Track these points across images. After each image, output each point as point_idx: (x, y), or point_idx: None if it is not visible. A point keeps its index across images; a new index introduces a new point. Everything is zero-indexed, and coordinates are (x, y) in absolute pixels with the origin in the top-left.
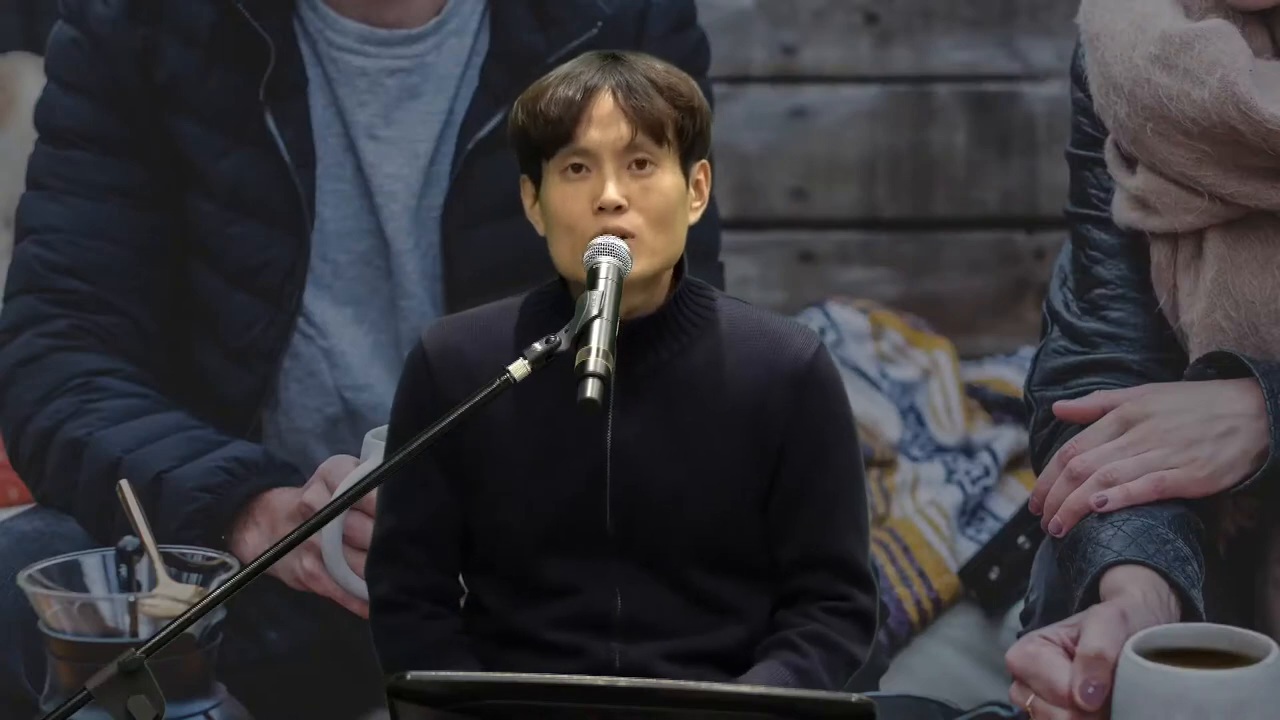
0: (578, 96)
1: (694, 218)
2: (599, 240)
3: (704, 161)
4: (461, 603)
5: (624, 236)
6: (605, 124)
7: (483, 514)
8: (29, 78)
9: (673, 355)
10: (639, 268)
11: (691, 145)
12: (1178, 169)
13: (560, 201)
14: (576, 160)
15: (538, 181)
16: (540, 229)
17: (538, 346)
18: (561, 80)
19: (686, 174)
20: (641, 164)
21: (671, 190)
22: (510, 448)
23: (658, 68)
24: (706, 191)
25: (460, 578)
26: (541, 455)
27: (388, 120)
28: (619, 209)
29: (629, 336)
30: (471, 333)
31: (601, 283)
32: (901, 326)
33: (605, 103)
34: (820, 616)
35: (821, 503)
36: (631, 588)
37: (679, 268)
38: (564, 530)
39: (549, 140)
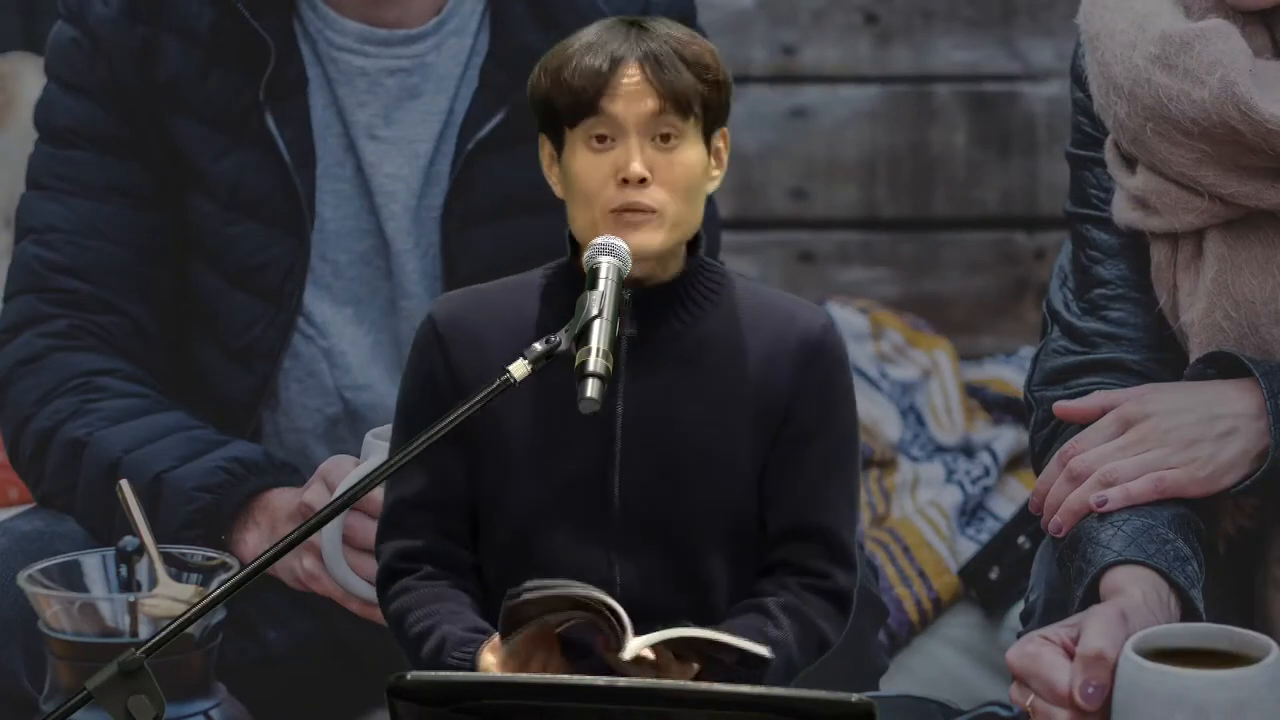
0: (604, 67)
1: (712, 186)
2: (599, 240)
3: (724, 129)
4: (473, 570)
5: (647, 211)
6: (631, 96)
7: (490, 487)
8: (29, 78)
9: (685, 326)
10: (658, 239)
11: (715, 116)
12: (1178, 169)
13: (583, 171)
14: (601, 131)
15: (559, 145)
16: (558, 190)
17: (538, 346)
18: (587, 49)
19: (708, 144)
20: (666, 137)
21: (695, 163)
22: (519, 424)
23: (682, 37)
24: (725, 159)
25: (470, 548)
26: (550, 430)
27: (388, 120)
28: (642, 181)
29: (641, 305)
30: (482, 307)
31: (601, 283)
32: (901, 326)
33: (632, 75)
34: (796, 590)
35: (815, 471)
36: (630, 565)
37: (694, 240)
38: (570, 502)
39: (573, 109)
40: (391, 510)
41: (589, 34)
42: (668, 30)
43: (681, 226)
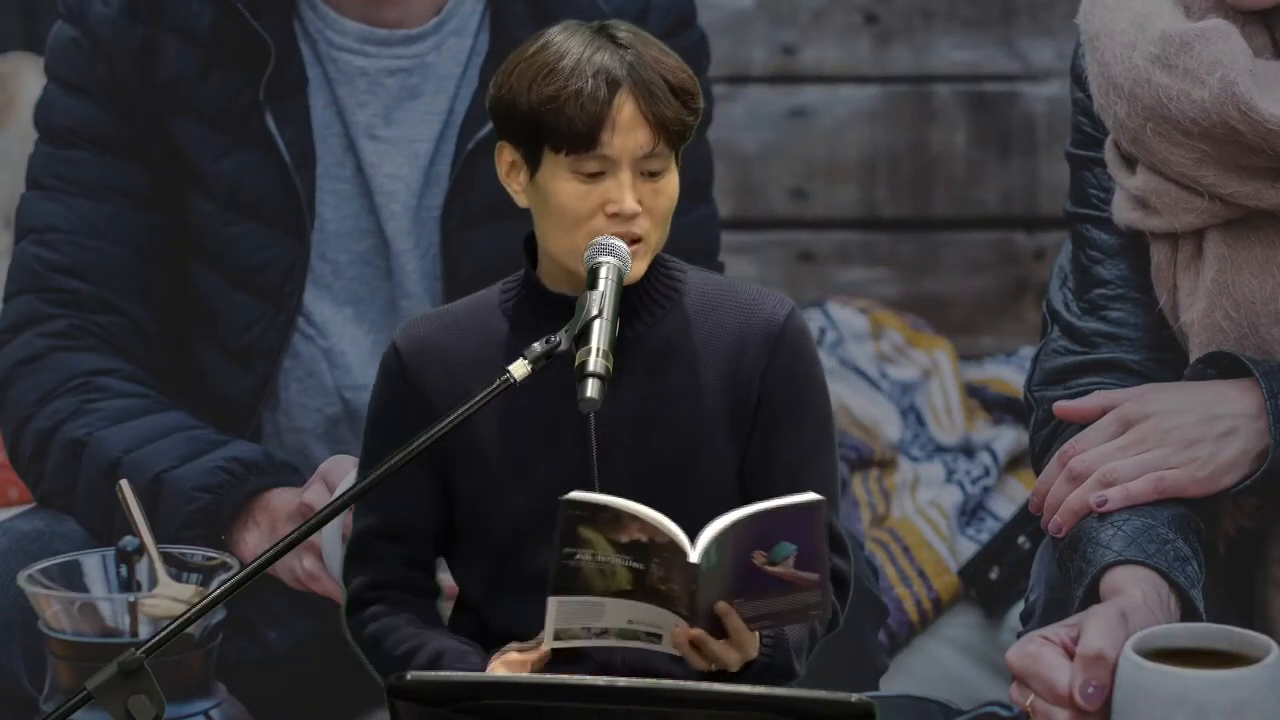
0: (600, 92)
1: None
2: (599, 240)
3: None
4: (435, 595)
5: (634, 241)
6: (626, 130)
7: (472, 505)
8: (29, 78)
9: (647, 328)
10: (643, 267)
11: (689, 137)
12: (1178, 169)
13: (570, 199)
14: (594, 169)
15: (533, 160)
16: (521, 200)
17: (537, 346)
18: (571, 71)
19: (679, 163)
20: (654, 170)
21: (675, 190)
22: (494, 436)
23: (662, 59)
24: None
25: (434, 574)
26: (526, 440)
27: (388, 120)
28: (634, 216)
29: None
30: (446, 329)
31: (601, 283)
32: (901, 326)
33: (626, 107)
34: None
35: (792, 461)
36: None
37: None
38: (552, 509)
39: (569, 140)
40: (359, 541)
41: (568, 46)
42: (648, 50)
43: (658, 250)
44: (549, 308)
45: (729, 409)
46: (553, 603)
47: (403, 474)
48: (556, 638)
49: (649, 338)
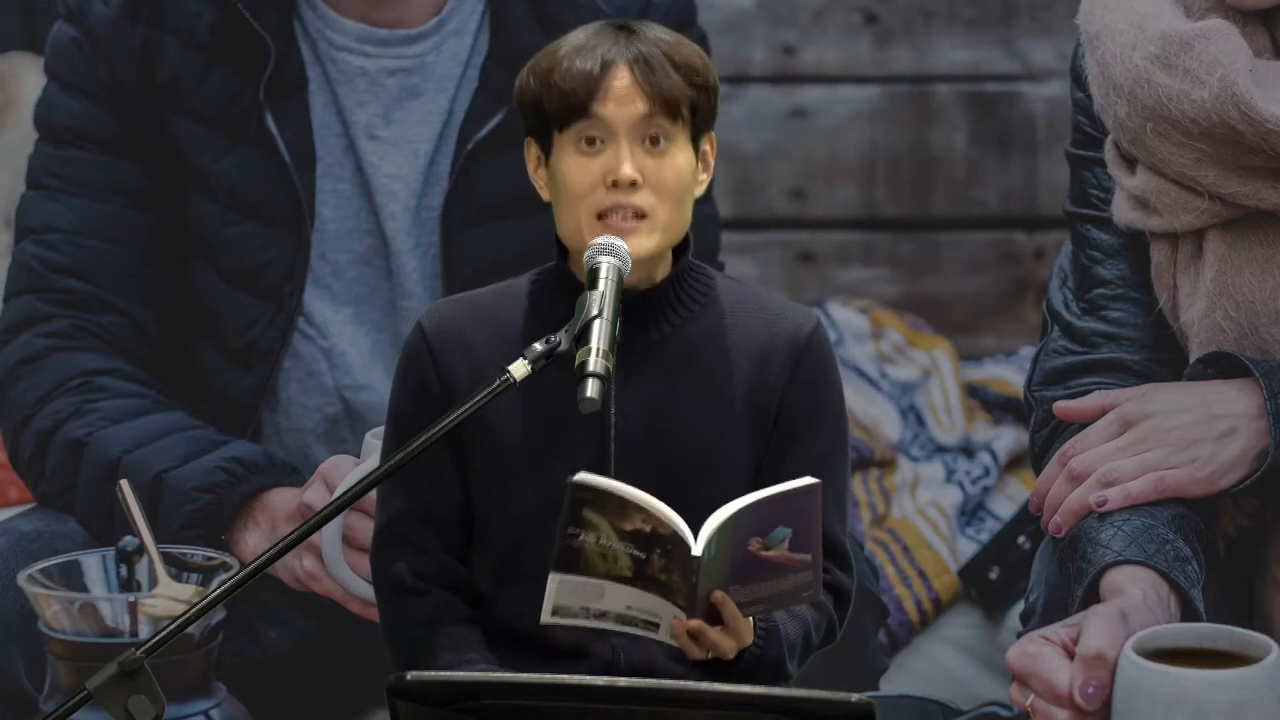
0: (594, 70)
1: (699, 190)
2: (599, 240)
3: (710, 134)
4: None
5: (638, 215)
6: (622, 99)
7: (484, 496)
8: (29, 78)
9: (673, 330)
10: (650, 244)
11: (703, 120)
12: (1178, 169)
13: (573, 174)
14: (591, 134)
15: (546, 148)
16: (544, 194)
17: (538, 346)
18: (576, 52)
19: (696, 149)
20: (656, 140)
21: (684, 167)
22: (512, 429)
23: (671, 40)
24: (712, 163)
25: (465, 564)
26: (544, 436)
27: (388, 120)
28: (633, 185)
29: (629, 311)
30: (471, 315)
31: (601, 283)
32: (901, 326)
33: (622, 77)
34: None
35: (805, 471)
36: None
37: (682, 244)
38: (559, 512)
39: (563, 112)
40: (394, 525)
41: (577, 37)
42: (656, 34)
43: (670, 231)
44: (574, 298)
45: (749, 416)
46: (554, 578)
47: (428, 461)
48: (554, 614)
49: (674, 340)
